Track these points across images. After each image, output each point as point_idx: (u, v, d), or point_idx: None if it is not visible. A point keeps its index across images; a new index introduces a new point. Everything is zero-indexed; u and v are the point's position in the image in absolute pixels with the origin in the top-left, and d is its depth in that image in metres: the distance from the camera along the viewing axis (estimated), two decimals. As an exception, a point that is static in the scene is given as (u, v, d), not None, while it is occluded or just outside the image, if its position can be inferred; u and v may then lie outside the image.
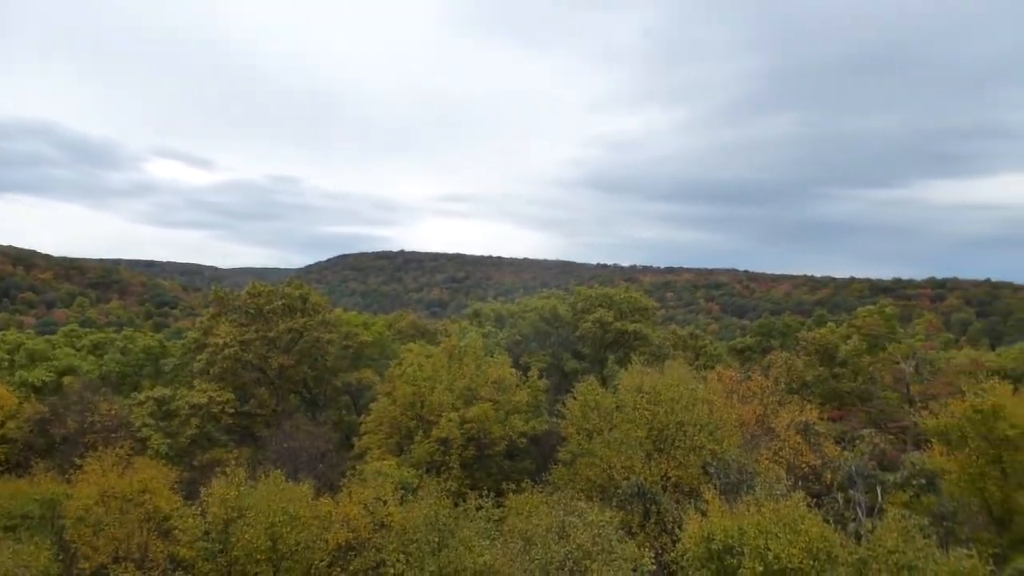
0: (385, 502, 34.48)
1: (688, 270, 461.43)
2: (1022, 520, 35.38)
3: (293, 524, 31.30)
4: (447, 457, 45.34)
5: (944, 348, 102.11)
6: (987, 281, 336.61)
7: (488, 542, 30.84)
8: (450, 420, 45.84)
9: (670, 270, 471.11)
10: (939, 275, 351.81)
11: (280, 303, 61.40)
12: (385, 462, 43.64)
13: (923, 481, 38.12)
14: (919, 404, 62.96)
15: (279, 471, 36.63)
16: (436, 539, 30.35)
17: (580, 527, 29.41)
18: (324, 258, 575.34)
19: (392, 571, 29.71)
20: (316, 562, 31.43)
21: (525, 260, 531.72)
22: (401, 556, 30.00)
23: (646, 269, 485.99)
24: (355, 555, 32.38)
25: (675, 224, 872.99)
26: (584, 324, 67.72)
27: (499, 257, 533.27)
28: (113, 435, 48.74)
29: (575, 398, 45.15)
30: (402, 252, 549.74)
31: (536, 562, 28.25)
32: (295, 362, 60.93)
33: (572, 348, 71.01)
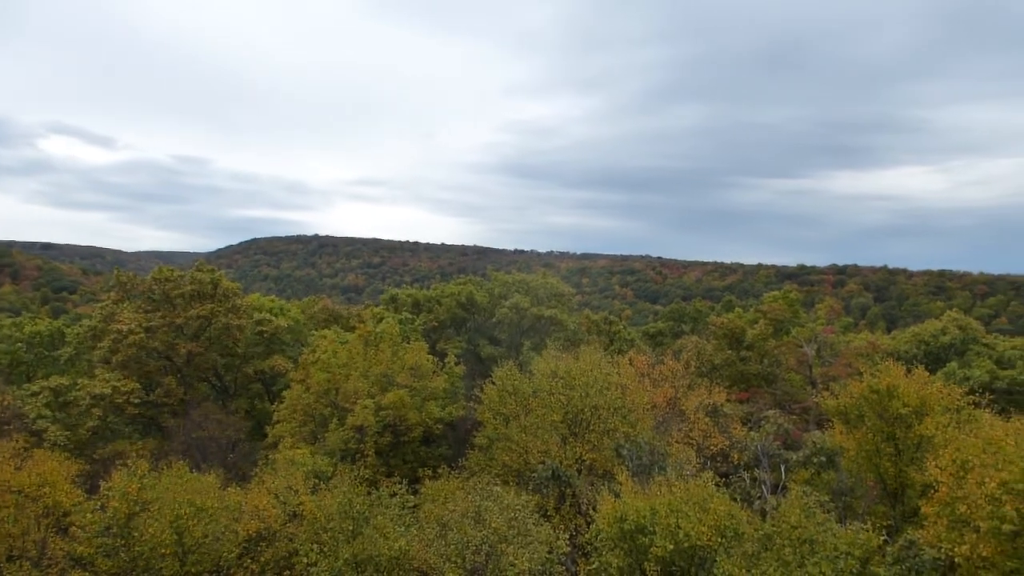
0: (297, 491, 33.86)
1: (604, 256, 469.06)
2: (913, 494, 37.30)
3: (200, 516, 30.35)
4: (362, 444, 44.83)
5: (844, 332, 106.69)
6: (884, 268, 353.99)
7: (404, 529, 30.69)
8: (365, 407, 45.29)
9: (586, 256, 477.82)
10: (840, 262, 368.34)
11: (188, 288, 59.28)
12: (298, 451, 42.81)
13: (823, 459, 39.84)
14: (820, 385, 65.84)
15: (185, 462, 35.53)
16: (350, 527, 29.98)
17: (496, 511, 29.57)
18: (235, 242, 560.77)
19: (305, 561, 29.21)
20: (225, 554, 30.60)
21: (442, 246, 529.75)
22: (314, 546, 29.52)
23: (563, 255, 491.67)
24: (266, 546, 31.70)
25: (591, 211, 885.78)
26: (501, 310, 67.91)
27: (416, 242, 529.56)
28: (6, 427, 46.19)
29: (492, 383, 45.26)
30: (316, 237, 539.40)
31: (452, 547, 28.28)
32: (204, 349, 59.00)
33: (489, 334, 71.16)
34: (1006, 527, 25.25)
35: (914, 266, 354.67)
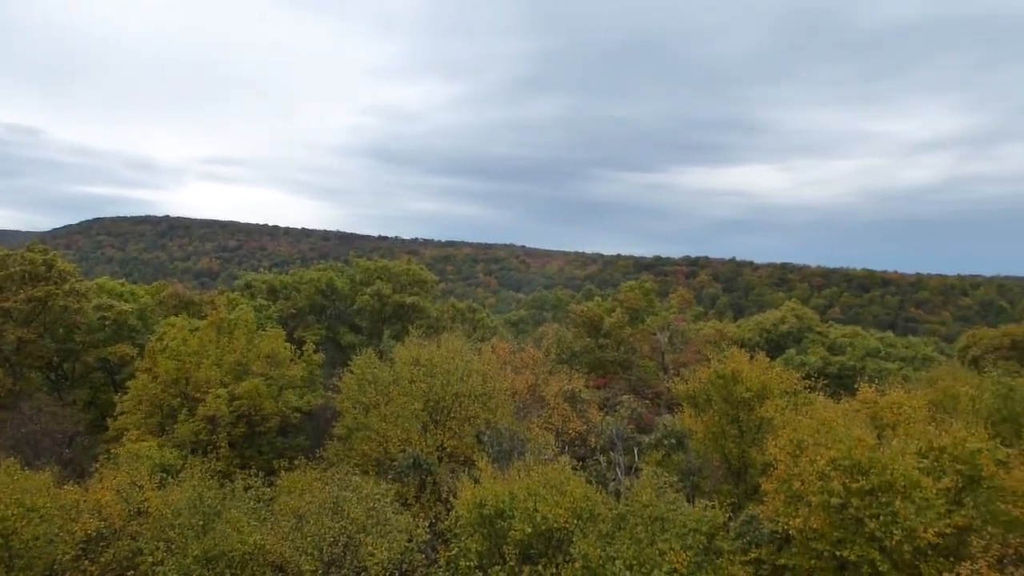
0: (142, 487, 32.01)
1: (468, 244, 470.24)
2: (755, 472, 39.68)
3: (30, 517, 28.09)
4: (214, 436, 42.91)
5: (694, 320, 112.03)
6: (733, 260, 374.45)
7: (258, 522, 29.68)
8: (218, 397, 43.39)
9: (451, 244, 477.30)
10: (693, 254, 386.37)
11: (18, 269, 54.57)
12: (144, 443, 40.45)
13: (674, 441, 41.75)
14: (672, 371, 68.92)
15: (15, 459, 32.78)
16: (200, 523, 28.68)
17: (355, 502, 29.13)
18: (75, 221, 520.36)
19: (150, 560, 27.68)
20: (60, 556, 28.49)
21: (303, 230, 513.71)
22: (160, 544, 28.04)
23: (427, 242, 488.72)
24: (107, 546, 29.77)
25: (456, 198, 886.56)
26: (362, 297, 66.84)
27: (275, 226, 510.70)
28: None
29: (352, 372, 44.48)
30: (167, 218, 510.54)
31: (309, 539, 27.63)
32: (37, 336, 54.56)
33: (349, 321, 69.89)
34: (834, 500, 27.32)
35: (760, 259, 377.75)
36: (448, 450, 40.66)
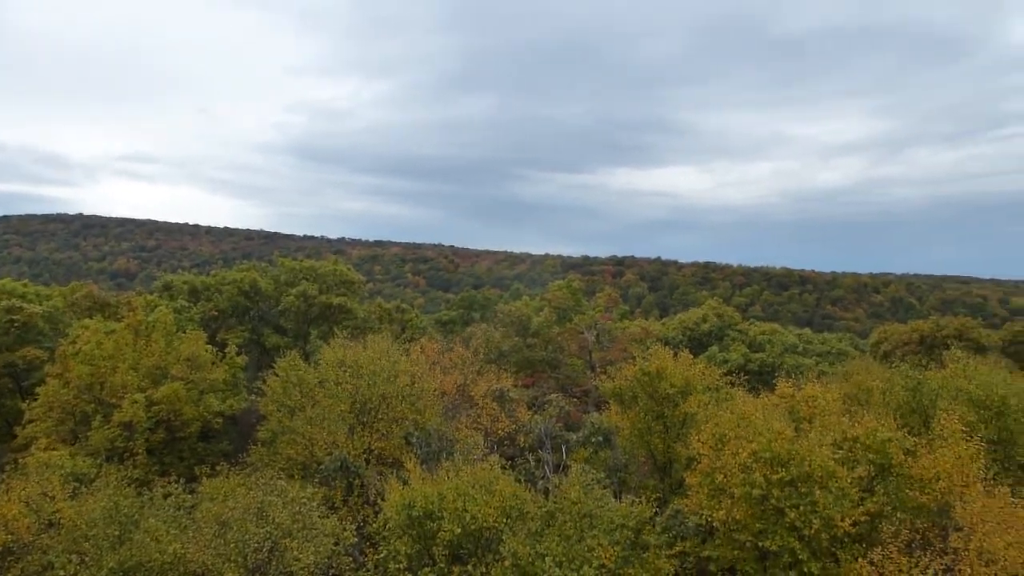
0: (54, 497, 30.62)
1: (396, 244, 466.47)
2: (679, 467, 40.46)
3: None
4: (131, 443, 41.43)
5: (621, 319, 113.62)
6: (658, 259, 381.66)
7: (179, 531, 28.78)
8: (135, 402, 41.89)
9: (379, 243, 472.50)
10: (620, 253, 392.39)
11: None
12: (55, 452, 38.77)
13: (601, 438, 42.28)
14: (599, 369, 69.74)
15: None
16: (116, 533, 27.64)
17: (280, 506, 28.54)
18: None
19: (62, 573, 26.51)
20: (-38, 574, 27.08)
21: (225, 229, 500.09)
22: (73, 556, 26.89)
23: (355, 242, 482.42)
24: (15, 561, 28.38)
25: (384, 197, 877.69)
26: (287, 298, 65.55)
27: (196, 225, 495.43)
28: None
29: (276, 374, 43.59)
30: (81, 216, 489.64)
31: (232, 546, 26.93)
32: (-65, 341, 51.74)
33: (274, 323, 68.45)
34: (755, 492, 28.10)
35: (684, 258, 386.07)
36: (376, 452, 40.24)
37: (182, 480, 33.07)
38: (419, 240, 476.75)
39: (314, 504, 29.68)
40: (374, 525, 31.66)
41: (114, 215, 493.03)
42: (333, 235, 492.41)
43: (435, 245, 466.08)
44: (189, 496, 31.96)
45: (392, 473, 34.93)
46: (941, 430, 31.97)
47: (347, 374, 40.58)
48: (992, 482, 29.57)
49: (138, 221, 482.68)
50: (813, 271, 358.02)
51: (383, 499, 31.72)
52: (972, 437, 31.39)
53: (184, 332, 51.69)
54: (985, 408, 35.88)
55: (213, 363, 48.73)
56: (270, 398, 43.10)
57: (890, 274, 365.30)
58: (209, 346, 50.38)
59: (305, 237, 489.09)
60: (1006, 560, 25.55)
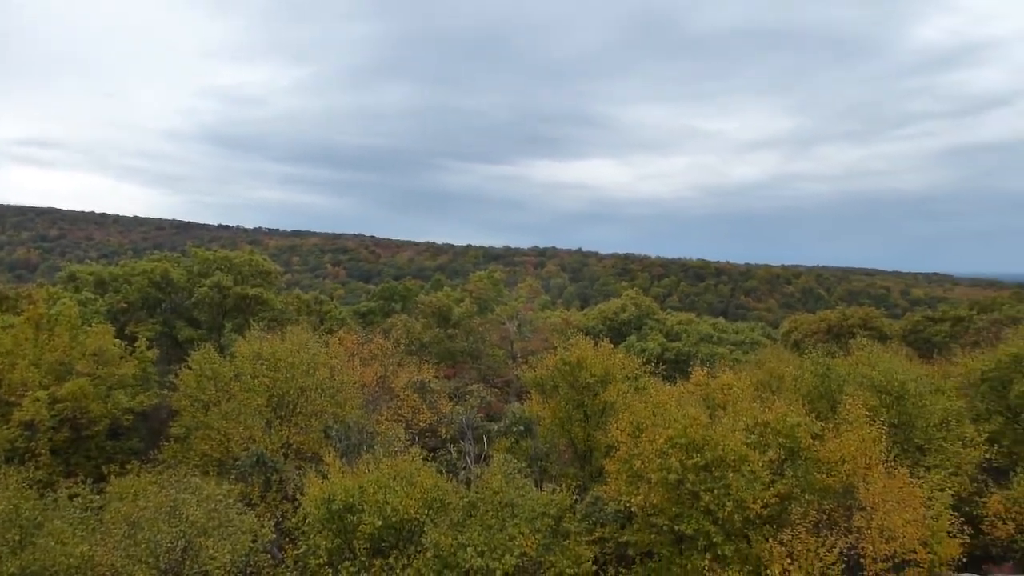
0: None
1: (316, 234, 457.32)
2: (599, 455, 41.11)
3: None
4: (33, 443, 39.47)
5: (542, 309, 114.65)
6: (579, 251, 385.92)
7: (86, 533, 27.65)
8: (37, 400, 39.89)
9: (297, 234, 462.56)
10: (542, 244, 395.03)
11: None
12: (-52, 454, 36.67)
13: (522, 428, 42.62)
14: (520, 359, 70.19)
15: None
16: (16, 537, 26.36)
17: (194, 504, 27.73)
18: None
19: (-43, 581, 25.19)
20: None
21: (135, 218, 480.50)
22: (-31, 562, 25.55)
23: (272, 232, 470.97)
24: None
25: (302, 186, 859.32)
26: (200, 289, 63.47)
27: (103, 214, 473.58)
28: None
29: (190, 368, 42.30)
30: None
31: (144, 546, 26.06)
32: None
33: (187, 315, 66.23)
34: (671, 477, 28.80)
35: (604, 249, 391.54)
36: (294, 446, 39.53)
37: (90, 480, 31.82)
38: (339, 230, 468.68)
39: (230, 501, 28.95)
40: (293, 520, 31.18)
41: (12, 203, 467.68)
42: (249, 225, 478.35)
43: (355, 235, 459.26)
44: (97, 496, 30.73)
45: (311, 467, 34.38)
46: (846, 415, 33.43)
47: (264, 367, 39.68)
48: (892, 463, 31.15)
49: (39, 209, 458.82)
50: (728, 263, 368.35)
51: (302, 494, 31.25)
52: (875, 421, 32.96)
53: (90, 326, 49.54)
54: (887, 393, 37.66)
55: (122, 357, 46.82)
56: (183, 393, 41.79)
57: (801, 266, 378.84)
58: (117, 340, 48.40)
59: (220, 227, 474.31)
60: (904, 536, 27.00)
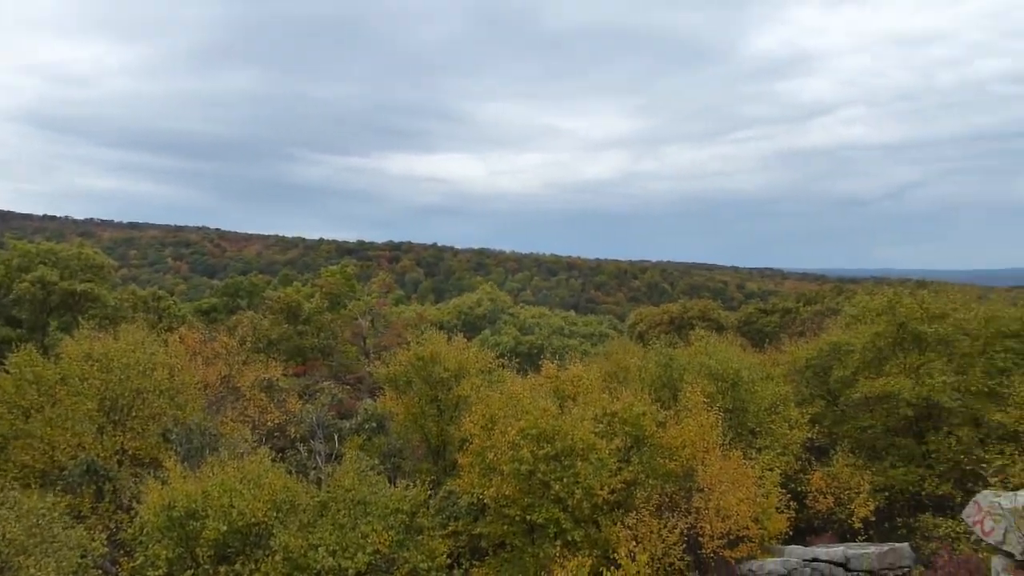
0: None
1: (155, 226, 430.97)
2: (453, 449, 41.20)
3: None
4: None
5: (396, 304, 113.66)
6: (435, 245, 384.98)
7: None
8: None
9: (134, 226, 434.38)
10: (397, 239, 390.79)
11: None
12: None
13: (375, 424, 42.02)
14: (373, 355, 69.31)
15: None
16: None
17: (12, 520, 25.44)
18: None
19: None
20: None
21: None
22: None
23: (105, 223, 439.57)
24: None
25: (139, 175, 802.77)
26: (21, 284, 58.40)
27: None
28: None
29: (7, 371, 38.73)
30: None
31: (-48, 570, 23.71)
32: None
33: (5, 313, 60.78)
34: (523, 468, 29.30)
35: (460, 244, 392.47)
36: (130, 452, 37.12)
37: None
38: (181, 222, 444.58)
39: (55, 515, 26.78)
40: (129, 531, 29.32)
41: None
42: (79, 215, 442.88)
43: (199, 228, 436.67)
44: None
45: (150, 474, 32.41)
46: (687, 402, 35.22)
47: (95, 368, 36.95)
48: (728, 447, 33.15)
49: None
50: (579, 258, 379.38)
51: (139, 502, 29.46)
52: (712, 407, 34.92)
53: None
54: (722, 380, 39.92)
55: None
56: (0, 399, 38.27)
57: (647, 261, 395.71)
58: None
59: (46, 217, 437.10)
60: (738, 514, 28.83)
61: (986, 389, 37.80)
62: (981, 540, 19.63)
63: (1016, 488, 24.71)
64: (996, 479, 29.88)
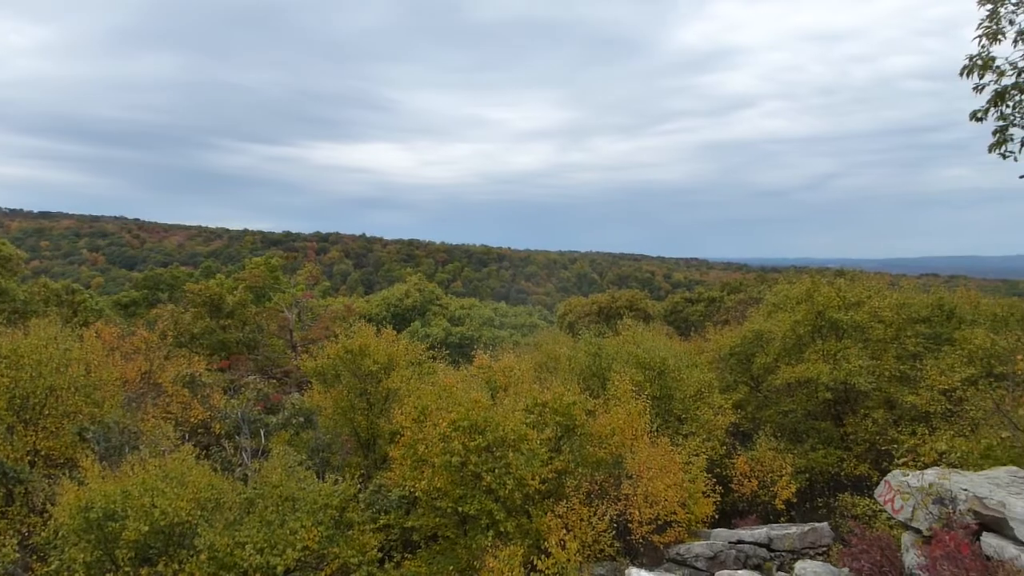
0: None
1: (69, 216, 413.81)
2: (383, 442, 40.84)
3: None
4: None
5: (323, 296, 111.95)
6: (363, 236, 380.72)
7: None
8: None
9: (46, 215, 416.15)
10: (324, 230, 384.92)
11: None
12: None
13: (302, 419, 41.30)
14: (301, 349, 68.17)
15: None
16: None
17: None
18: None
19: None
20: None
21: None
22: None
23: (14, 213, 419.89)
24: None
25: (50, 163, 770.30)
26: (-78, 279, 55.41)
27: None
28: None
29: (-93, 371, 36.68)
30: None
31: None
32: None
33: (-96, 309, 57.52)
34: (455, 459, 29.24)
35: (389, 235, 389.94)
36: (43, 453, 35.60)
37: None
38: (97, 212, 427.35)
39: (-38, 519, 25.58)
40: (43, 535, 28.14)
41: None
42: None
43: (116, 218, 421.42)
44: None
45: (65, 474, 31.17)
46: (615, 391, 35.71)
47: (3, 365, 35.30)
48: (655, 434, 33.79)
49: None
50: (510, 249, 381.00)
51: (53, 504, 28.30)
52: (640, 395, 35.52)
53: None
54: (650, 369, 40.62)
55: None
56: (-101, 400, 36.21)
57: (576, 251, 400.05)
58: None
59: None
60: (666, 500, 29.44)
61: (899, 373, 39.49)
62: (892, 518, 20.48)
63: (926, 466, 25.93)
64: (906, 458, 31.28)
